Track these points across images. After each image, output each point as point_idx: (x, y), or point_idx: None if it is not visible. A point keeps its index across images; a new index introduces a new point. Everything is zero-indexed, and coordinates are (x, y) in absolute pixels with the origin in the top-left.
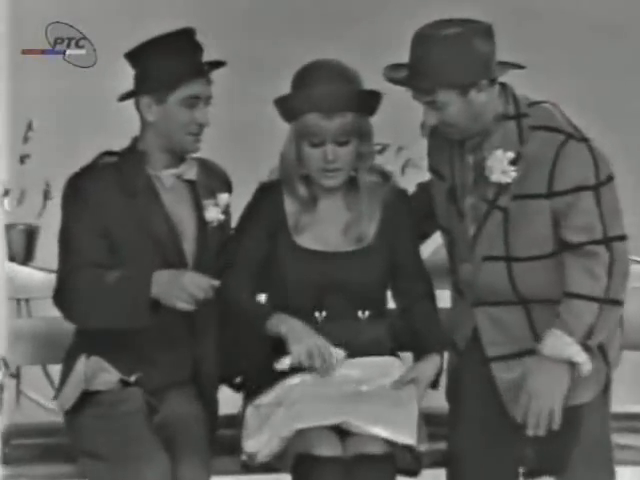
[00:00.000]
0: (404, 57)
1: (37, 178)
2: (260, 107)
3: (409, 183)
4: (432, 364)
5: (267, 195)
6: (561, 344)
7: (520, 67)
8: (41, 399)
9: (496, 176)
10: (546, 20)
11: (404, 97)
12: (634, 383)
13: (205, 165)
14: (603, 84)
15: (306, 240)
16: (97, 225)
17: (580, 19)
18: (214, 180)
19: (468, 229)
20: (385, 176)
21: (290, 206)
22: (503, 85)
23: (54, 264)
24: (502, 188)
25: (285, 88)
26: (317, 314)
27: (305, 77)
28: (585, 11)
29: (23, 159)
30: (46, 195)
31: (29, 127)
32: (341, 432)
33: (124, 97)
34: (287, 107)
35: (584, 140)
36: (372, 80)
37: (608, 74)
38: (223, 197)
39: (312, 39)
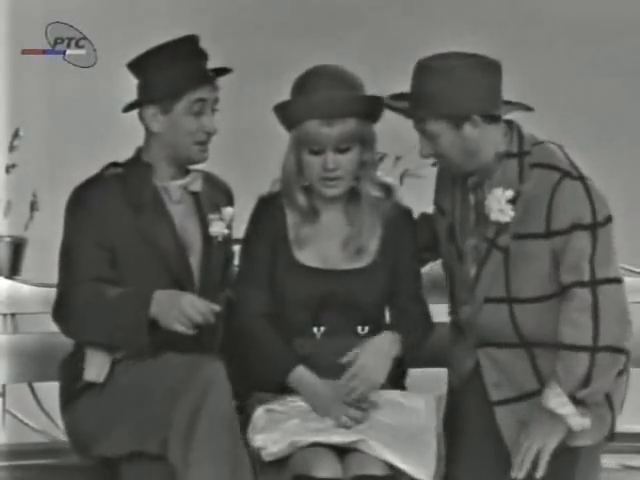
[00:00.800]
0: (404, 59)
1: (24, 189)
2: (260, 112)
3: (407, 193)
4: (381, 339)
5: (268, 208)
6: (551, 395)
7: (528, 108)
8: (28, 420)
9: (495, 215)
10: (546, 23)
11: None
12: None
13: (208, 178)
14: (603, 86)
15: (306, 256)
16: (101, 238)
17: (578, 21)
18: (218, 193)
19: (469, 271)
20: (388, 190)
21: (291, 219)
22: (510, 123)
23: (41, 277)
24: (501, 227)
25: (286, 92)
26: (315, 329)
27: (305, 83)
28: (584, 13)
29: (9, 169)
30: (33, 206)
31: (15, 135)
32: (341, 453)
33: (128, 108)
34: (286, 114)
35: (580, 178)
36: (372, 82)
37: (609, 76)
38: (227, 211)
39: (313, 42)
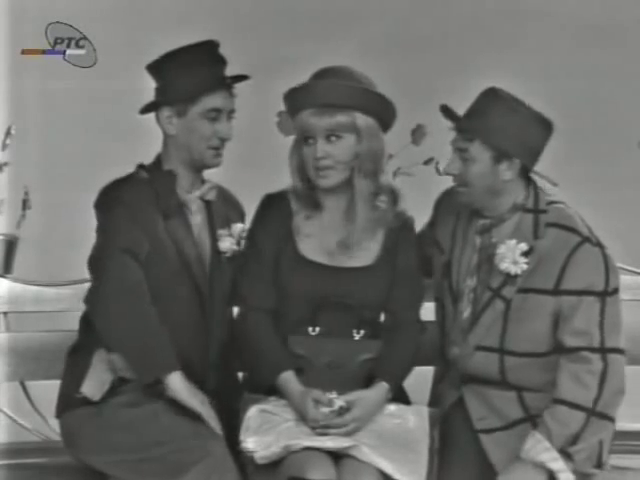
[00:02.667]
0: (412, 58)
1: (16, 187)
2: (261, 113)
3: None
4: (375, 393)
5: (273, 204)
6: (539, 448)
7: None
8: (20, 419)
9: (506, 265)
10: (543, 21)
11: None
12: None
13: (222, 192)
14: (600, 85)
15: (310, 251)
16: (138, 237)
17: (576, 20)
18: (230, 209)
19: (463, 311)
20: (394, 195)
21: (297, 214)
22: (530, 181)
23: (33, 276)
24: (509, 278)
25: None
26: (310, 329)
27: (310, 78)
28: (581, 11)
29: (1, 167)
30: (25, 204)
31: (8, 133)
32: (335, 458)
33: (145, 110)
34: (288, 105)
35: (599, 246)
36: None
37: (605, 76)
38: (237, 227)
39: (317, 43)
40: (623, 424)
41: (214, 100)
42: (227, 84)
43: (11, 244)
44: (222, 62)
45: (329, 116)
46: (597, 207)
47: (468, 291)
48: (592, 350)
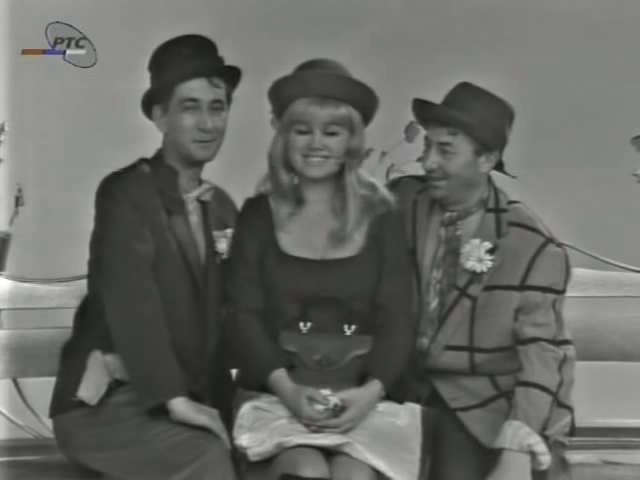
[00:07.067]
0: (405, 60)
1: (9, 183)
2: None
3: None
4: (369, 391)
5: (255, 207)
6: (522, 434)
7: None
8: (13, 416)
9: (472, 264)
10: (544, 20)
11: (387, 102)
12: (614, 395)
13: (217, 193)
14: (599, 86)
15: (294, 248)
16: (144, 231)
17: (577, 19)
18: (224, 211)
19: (430, 302)
20: (373, 188)
21: (278, 213)
22: (489, 179)
23: (26, 273)
24: (475, 276)
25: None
26: (302, 324)
27: (300, 67)
28: (582, 11)
29: None
30: (18, 201)
31: (1, 130)
32: (328, 455)
33: (144, 109)
34: (279, 94)
35: (560, 246)
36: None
37: (605, 76)
38: (230, 232)
39: (312, 42)
40: (615, 420)
41: (187, 90)
42: (202, 73)
43: (4, 241)
44: (199, 53)
45: (331, 107)
46: (592, 205)
47: (435, 282)
48: (550, 342)
